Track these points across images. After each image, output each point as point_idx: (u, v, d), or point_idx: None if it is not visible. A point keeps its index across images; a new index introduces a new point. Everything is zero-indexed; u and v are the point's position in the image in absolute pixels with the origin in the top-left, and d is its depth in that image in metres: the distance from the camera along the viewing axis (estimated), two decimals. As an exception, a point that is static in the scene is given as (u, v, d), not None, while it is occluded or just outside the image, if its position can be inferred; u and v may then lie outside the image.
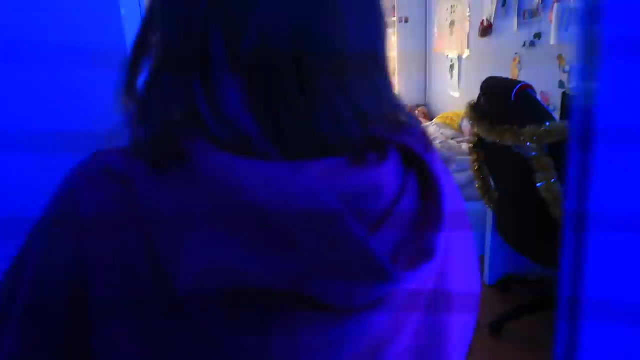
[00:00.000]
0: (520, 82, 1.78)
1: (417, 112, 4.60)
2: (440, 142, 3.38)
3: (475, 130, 2.07)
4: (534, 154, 1.77)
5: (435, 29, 4.51)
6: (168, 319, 0.37)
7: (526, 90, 1.77)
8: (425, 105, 4.95)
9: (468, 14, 3.88)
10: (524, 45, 3.14)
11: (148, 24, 0.41)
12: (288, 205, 0.35)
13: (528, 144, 1.76)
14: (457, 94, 4.26)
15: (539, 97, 2.95)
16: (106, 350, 0.38)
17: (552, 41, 2.79)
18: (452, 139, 3.64)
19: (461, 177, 2.93)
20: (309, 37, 0.38)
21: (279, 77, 0.38)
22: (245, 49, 0.37)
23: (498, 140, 1.89)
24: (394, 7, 4.81)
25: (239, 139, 0.37)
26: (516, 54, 3.26)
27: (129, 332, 0.37)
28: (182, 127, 0.38)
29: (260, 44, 0.37)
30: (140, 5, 1.37)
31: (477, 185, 2.27)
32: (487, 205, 2.30)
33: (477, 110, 2.04)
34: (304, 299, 0.38)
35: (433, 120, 4.28)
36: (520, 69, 3.25)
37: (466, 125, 3.84)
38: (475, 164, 2.20)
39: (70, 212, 0.39)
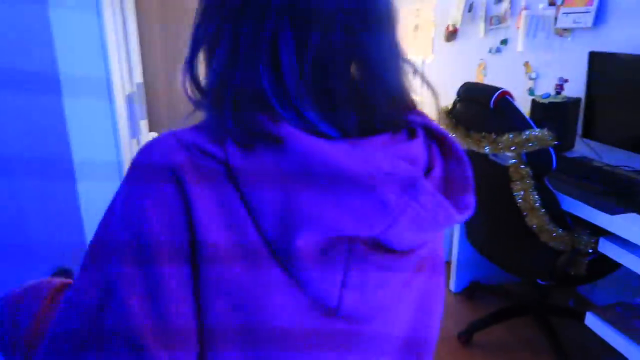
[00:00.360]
0: (499, 88, 1.73)
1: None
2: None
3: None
4: (512, 162, 1.73)
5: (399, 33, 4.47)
6: (263, 265, 0.45)
7: (505, 97, 1.72)
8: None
9: (433, 19, 3.86)
10: (490, 51, 3.14)
11: (205, 18, 0.47)
12: (371, 171, 0.44)
13: (506, 152, 1.71)
14: (420, 98, 4.24)
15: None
16: (207, 287, 0.44)
17: (519, 48, 2.80)
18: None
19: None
20: (361, 44, 0.48)
21: (337, 73, 0.47)
22: (312, 45, 0.45)
23: (475, 148, 1.84)
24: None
25: (302, 122, 0.46)
26: (481, 59, 3.26)
27: (233, 275, 0.44)
28: (257, 111, 0.44)
29: (322, 40, 0.45)
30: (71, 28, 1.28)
31: (449, 193, 2.21)
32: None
33: (453, 117, 1.98)
34: (380, 244, 0.49)
35: (396, 124, 4.24)
36: (485, 75, 3.25)
37: (430, 129, 3.82)
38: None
39: (169, 160, 0.43)
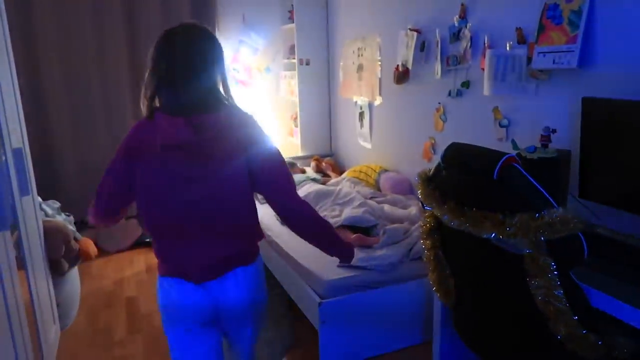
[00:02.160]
0: (502, 153, 1.29)
1: (324, 164, 4.10)
2: (359, 204, 2.87)
3: (433, 211, 1.55)
4: (527, 251, 1.28)
5: (341, 73, 4.10)
6: (156, 159, 1.37)
7: (513, 165, 1.28)
8: (332, 156, 4.48)
9: (378, 58, 3.50)
10: (450, 94, 2.78)
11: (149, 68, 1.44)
12: (187, 136, 1.35)
13: (520, 238, 1.26)
14: (369, 145, 3.84)
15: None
16: (139, 177, 1.38)
17: (486, 91, 2.44)
18: (371, 198, 3.16)
19: (395, 252, 2.40)
20: (196, 72, 1.38)
21: (176, 84, 1.38)
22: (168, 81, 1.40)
23: (472, 230, 1.38)
24: (293, 47, 4.34)
25: (167, 108, 1.38)
26: (439, 103, 2.90)
27: (145, 167, 1.37)
28: (152, 105, 1.40)
29: (170, 77, 1.39)
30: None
31: (430, 279, 1.74)
32: (442, 302, 1.78)
33: (436, 186, 1.53)
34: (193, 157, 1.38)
35: (344, 175, 3.79)
36: (445, 120, 2.88)
37: (385, 181, 3.39)
38: (429, 252, 1.68)
39: (128, 135, 1.42)
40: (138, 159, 1.37)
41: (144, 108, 1.40)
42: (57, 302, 2.59)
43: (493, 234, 1.32)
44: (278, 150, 1.49)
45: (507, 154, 1.29)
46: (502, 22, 2.35)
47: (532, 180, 1.28)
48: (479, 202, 1.36)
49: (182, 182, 1.36)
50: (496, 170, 1.28)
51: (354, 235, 2.55)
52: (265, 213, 3.29)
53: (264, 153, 1.43)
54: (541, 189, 1.27)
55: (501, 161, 1.28)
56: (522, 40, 2.23)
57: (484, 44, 2.45)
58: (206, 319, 1.48)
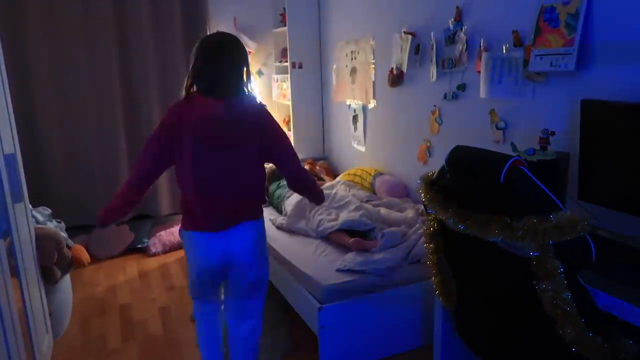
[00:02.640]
0: (508, 156, 1.29)
1: (317, 167, 4.08)
2: (355, 207, 2.86)
3: (437, 214, 1.54)
4: (534, 254, 1.27)
5: (334, 76, 4.10)
6: (193, 129, 1.76)
7: (519, 168, 1.28)
8: (325, 159, 4.47)
9: (372, 61, 3.50)
10: (445, 97, 2.78)
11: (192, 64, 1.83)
12: (225, 114, 1.80)
13: (528, 241, 1.26)
14: (362, 148, 3.83)
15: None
16: (177, 145, 1.80)
17: (482, 94, 2.45)
18: (367, 201, 3.15)
19: (394, 255, 2.39)
20: (230, 67, 1.80)
21: (215, 79, 1.78)
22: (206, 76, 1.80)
23: (478, 234, 1.37)
24: (285, 51, 4.33)
25: (205, 91, 1.80)
26: (435, 106, 2.90)
27: (184, 136, 1.76)
28: (191, 90, 1.83)
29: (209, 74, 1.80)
30: None
31: (433, 283, 1.73)
32: (444, 306, 1.77)
33: (439, 189, 1.52)
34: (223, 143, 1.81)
35: (338, 178, 3.78)
36: (441, 123, 2.88)
37: (380, 184, 3.39)
38: (432, 256, 1.67)
39: (170, 111, 1.82)
40: (178, 130, 1.77)
41: (184, 90, 1.84)
42: (49, 310, 2.53)
43: (500, 237, 1.32)
44: (284, 131, 1.96)
45: (514, 156, 1.29)
46: (498, 24, 2.36)
47: (538, 182, 1.28)
48: (484, 205, 1.36)
49: (212, 149, 1.78)
50: (503, 173, 1.27)
51: (352, 240, 2.53)
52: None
53: (276, 132, 1.89)
54: (548, 192, 1.27)
55: (508, 164, 1.27)
56: (518, 42, 2.24)
57: (480, 46, 2.46)
58: (220, 263, 1.90)
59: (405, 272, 2.38)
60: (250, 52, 4.37)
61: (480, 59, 2.44)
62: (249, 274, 1.96)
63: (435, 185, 1.55)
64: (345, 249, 2.58)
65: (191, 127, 1.75)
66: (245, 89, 1.84)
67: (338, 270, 2.35)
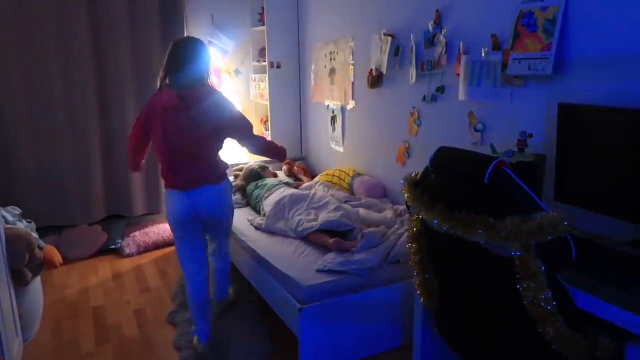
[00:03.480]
0: (492, 157, 1.31)
1: (295, 168, 4.07)
2: (335, 208, 2.86)
3: (420, 215, 1.56)
4: (517, 253, 1.30)
5: (312, 76, 4.09)
6: (160, 115, 2.29)
7: (503, 169, 1.30)
8: (303, 159, 4.46)
9: (351, 62, 3.51)
10: (424, 99, 2.81)
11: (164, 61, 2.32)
12: (179, 103, 2.25)
13: (511, 242, 1.28)
14: (341, 149, 3.84)
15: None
16: (152, 126, 2.34)
17: (461, 96, 2.49)
18: (346, 202, 3.15)
19: (374, 255, 2.40)
20: (187, 65, 2.25)
21: (176, 70, 2.27)
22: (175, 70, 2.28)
23: (462, 234, 1.39)
24: (263, 50, 4.30)
25: (170, 85, 2.28)
26: (414, 107, 2.93)
27: (155, 120, 2.31)
28: (163, 83, 2.32)
29: (173, 65, 2.28)
30: None
31: (415, 283, 1.74)
32: (425, 306, 1.79)
33: (424, 190, 1.53)
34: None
35: (316, 178, 3.78)
36: (419, 125, 2.91)
37: (359, 184, 3.40)
38: (415, 256, 1.68)
39: (148, 100, 2.40)
40: (151, 115, 2.32)
41: (158, 83, 2.33)
42: (18, 313, 2.45)
43: (483, 238, 1.33)
44: (237, 109, 2.46)
45: (497, 158, 1.31)
46: (477, 28, 2.40)
47: (521, 183, 1.31)
48: (469, 206, 1.38)
49: (174, 130, 2.27)
50: (487, 174, 1.29)
51: (332, 240, 2.53)
52: (237, 219, 3.24)
53: (230, 112, 2.35)
54: (530, 192, 1.30)
55: (492, 165, 1.29)
56: (497, 46, 2.28)
57: (459, 49, 2.49)
58: (191, 216, 2.37)
59: (385, 272, 2.40)
60: (216, 53, 4.34)
61: (460, 62, 2.47)
62: (218, 224, 2.52)
63: (420, 185, 1.56)
64: (325, 249, 2.58)
65: (159, 113, 2.28)
66: (203, 82, 2.30)
67: (318, 271, 2.35)
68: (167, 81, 2.30)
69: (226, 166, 2.49)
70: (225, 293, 2.85)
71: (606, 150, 1.74)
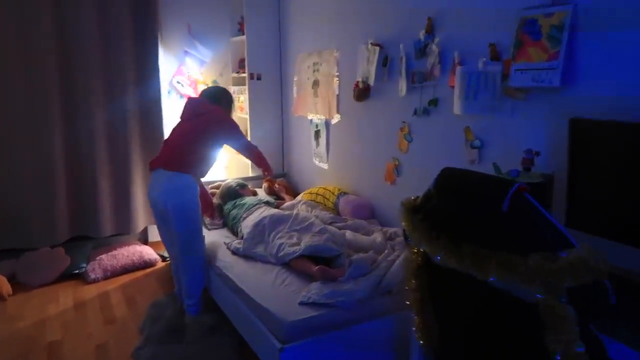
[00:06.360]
0: (511, 181, 1.09)
1: (276, 185, 3.82)
2: (319, 230, 2.62)
3: (421, 247, 1.33)
4: (542, 298, 1.07)
5: (294, 89, 3.88)
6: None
7: (524, 195, 1.08)
8: (284, 176, 4.22)
9: (336, 73, 3.31)
10: (415, 112, 2.61)
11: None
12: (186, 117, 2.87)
13: (534, 285, 1.06)
14: (325, 166, 3.61)
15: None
16: None
17: (456, 110, 2.29)
18: (331, 223, 2.92)
19: (364, 285, 2.16)
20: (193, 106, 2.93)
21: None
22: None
23: (472, 271, 1.16)
24: (243, 61, 4.07)
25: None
26: (404, 122, 2.72)
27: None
28: None
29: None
30: None
31: (415, 325, 1.51)
32: (424, 350, 1.55)
33: (424, 217, 1.31)
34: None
35: (299, 197, 3.54)
36: (410, 140, 2.70)
37: (344, 204, 3.17)
38: (415, 294, 1.45)
39: None
40: None
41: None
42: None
43: (500, 277, 1.11)
44: (232, 124, 2.84)
45: (517, 181, 1.10)
46: (473, 37, 2.21)
47: (545, 213, 1.09)
48: (481, 238, 1.16)
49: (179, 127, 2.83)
50: (506, 200, 1.07)
51: (317, 268, 2.29)
52: (212, 242, 2.98)
53: (222, 127, 2.79)
54: (557, 224, 1.08)
55: (512, 190, 1.07)
56: (496, 56, 2.09)
57: (454, 60, 2.30)
58: (153, 203, 2.77)
59: (376, 304, 2.16)
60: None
61: (454, 73, 2.28)
62: (169, 220, 2.69)
63: (420, 212, 1.34)
64: (308, 277, 2.33)
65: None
66: (208, 108, 2.80)
67: (301, 304, 2.10)
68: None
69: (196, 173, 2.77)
70: (191, 310, 2.79)
71: (626, 171, 1.54)
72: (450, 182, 1.24)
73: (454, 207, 1.23)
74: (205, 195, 3.03)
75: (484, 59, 2.13)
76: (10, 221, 3.49)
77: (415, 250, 1.39)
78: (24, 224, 3.52)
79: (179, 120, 2.85)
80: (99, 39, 3.57)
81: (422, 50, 2.51)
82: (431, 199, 1.30)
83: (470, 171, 1.24)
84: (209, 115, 2.76)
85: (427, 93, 2.52)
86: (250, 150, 2.95)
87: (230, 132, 2.81)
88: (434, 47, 2.42)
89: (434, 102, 2.48)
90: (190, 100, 2.90)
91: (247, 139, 2.99)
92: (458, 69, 2.25)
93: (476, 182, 1.19)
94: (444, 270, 1.28)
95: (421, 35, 2.49)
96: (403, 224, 1.37)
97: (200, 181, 2.92)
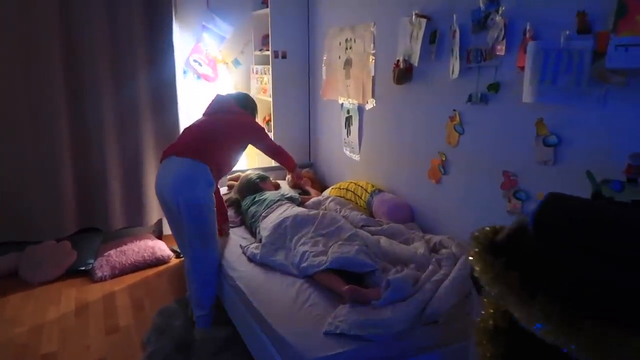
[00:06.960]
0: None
1: (303, 176, 3.42)
2: (349, 236, 2.22)
3: (503, 303, 0.91)
4: None
5: (324, 69, 3.44)
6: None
7: None
8: (311, 167, 3.81)
9: (372, 51, 2.86)
10: (470, 99, 2.15)
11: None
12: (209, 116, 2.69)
13: None
14: (357, 157, 3.19)
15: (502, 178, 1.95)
16: None
17: (526, 98, 1.82)
18: (363, 227, 2.51)
19: (404, 313, 1.75)
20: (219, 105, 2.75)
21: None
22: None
23: (584, 353, 0.74)
24: (267, 37, 3.65)
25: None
26: (455, 110, 2.27)
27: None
28: None
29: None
30: None
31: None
32: None
33: (509, 260, 0.88)
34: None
35: (326, 192, 3.13)
36: (462, 133, 2.25)
37: (379, 204, 2.74)
38: (487, 361, 1.03)
39: None
40: None
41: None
42: None
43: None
44: (262, 128, 2.76)
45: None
46: (552, 3, 1.73)
47: None
48: (617, 313, 0.73)
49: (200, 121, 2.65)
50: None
51: (347, 287, 1.89)
52: (227, 243, 2.62)
53: (255, 132, 2.68)
54: None
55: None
56: (585, 28, 1.61)
57: (525, 33, 1.83)
58: (160, 194, 2.46)
59: (418, 337, 1.75)
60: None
61: (525, 51, 1.81)
62: (181, 218, 2.34)
63: (503, 253, 0.91)
64: (336, 296, 1.94)
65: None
66: (236, 110, 2.68)
67: (327, 334, 1.71)
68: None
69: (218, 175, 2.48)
70: (201, 321, 2.46)
71: None
72: (564, 218, 0.81)
73: (567, 258, 0.80)
74: (220, 205, 2.63)
75: (568, 32, 1.65)
76: (14, 212, 3.22)
77: (493, 307, 0.96)
78: (28, 215, 3.24)
79: (201, 116, 2.66)
80: (106, 17, 3.20)
81: (481, 23, 2.04)
82: (525, 237, 0.87)
83: (593, 201, 0.81)
84: (240, 116, 2.64)
85: (486, 75, 2.05)
86: (276, 152, 2.81)
87: (258, 135, 2.68)
88: (498, 18, 1.94)
89: (495, 87, 2.01)
90: (219, 97, 2.71)
91: (272, 140, 2.89)
92: (531, 44, 1.78)
93: (612, 222, 0.75)
94: (533, 338, 0.86)
95: (481, 2, 2.01)
96: (476, 267, 0.94)
97: (217, 187, 2.57)
